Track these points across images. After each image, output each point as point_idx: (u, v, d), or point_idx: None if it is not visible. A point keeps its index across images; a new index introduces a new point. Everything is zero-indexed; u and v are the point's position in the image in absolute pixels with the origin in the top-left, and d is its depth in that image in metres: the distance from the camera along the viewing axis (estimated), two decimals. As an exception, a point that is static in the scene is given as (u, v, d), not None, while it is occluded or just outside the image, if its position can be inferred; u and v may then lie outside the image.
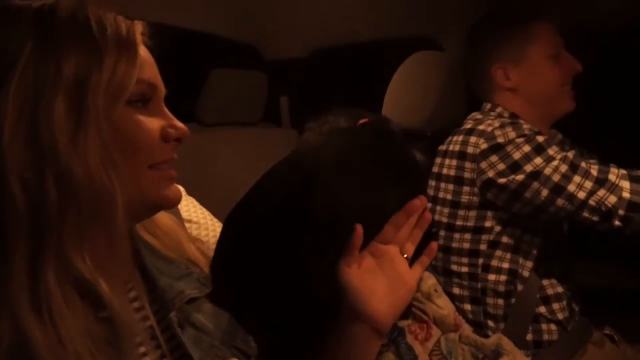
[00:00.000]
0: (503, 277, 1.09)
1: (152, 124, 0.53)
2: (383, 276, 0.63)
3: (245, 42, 1.82)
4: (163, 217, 0.66)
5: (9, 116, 0.45)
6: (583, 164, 0.99)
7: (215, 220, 1.10)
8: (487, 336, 0.99)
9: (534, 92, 1.14)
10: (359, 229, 0.61)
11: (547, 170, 0.98)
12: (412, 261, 0.67)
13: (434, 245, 0.67)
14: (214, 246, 0.70)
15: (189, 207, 1.12)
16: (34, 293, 0.45)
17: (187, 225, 0.98)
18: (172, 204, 0.56)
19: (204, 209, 1.13)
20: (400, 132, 0.77)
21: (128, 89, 0.50)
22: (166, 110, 0.56)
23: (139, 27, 0.54)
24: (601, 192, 0.95)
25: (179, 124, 0.56)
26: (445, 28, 1.52)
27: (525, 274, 1.10)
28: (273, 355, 0.65)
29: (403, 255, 0.65)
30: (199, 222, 1.09)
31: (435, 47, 1.54)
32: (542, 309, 1.10)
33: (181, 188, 1.16)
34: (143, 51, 0.54)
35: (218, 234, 0.75)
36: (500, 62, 1.15)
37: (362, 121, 0.75)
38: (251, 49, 1.85)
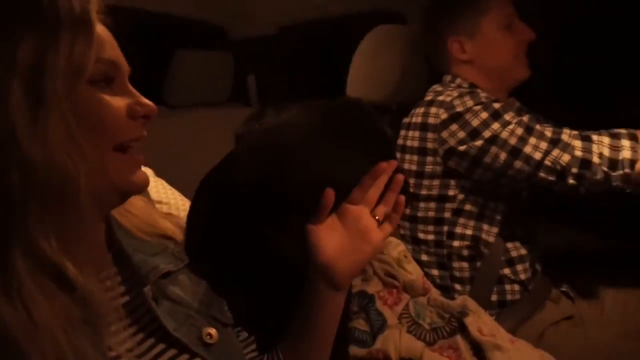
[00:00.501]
0: (467, 243, 1.14)
1: (118, 102, 0.53)
2: (345, 232, 0.66)
3: (210, 22, 1.80)
4: (135, 200, 0.66)
5: None
6: (538, 127, 1.03)
7: (185, 200, 1.11)
8: (454, 299, 1.04)
9: (490, 63, 1.17)
10: (330, 192, 0.64)
11: (504, 134, 1.02)
12: None
13: (401, 199, 0.69)
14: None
15: (159, 189, 1.12)
16: (2, 277, 0.45)
17: (157, 206, 0.99)
18: (139, 189, 0.57)
19: (173, 190, 1.13)
20: (370, 107, 0.79)
21: (87, 69, 0.49)
22: (132, 88, 0.56)
23: (93, 5, 0.52)
24: (555, 152, 1.00)
25: (146, 101, 0.56)
26: (412, 1, 1.53)
27: (490, 239, 1.14)
28: (250, 321, 0.67)
29: (375, 217, 0.68)
30: (169, 202, 1.10)
31: (401, 21, 1.55)
32: (506, 271, 1.15)
33: (149, 170, 1.17)
34: (101, 29, 0.53)
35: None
36: (455, 35, 1.17)
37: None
38: (216, 29, 1.83)
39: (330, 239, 0.65)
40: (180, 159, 1.50)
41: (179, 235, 0.67)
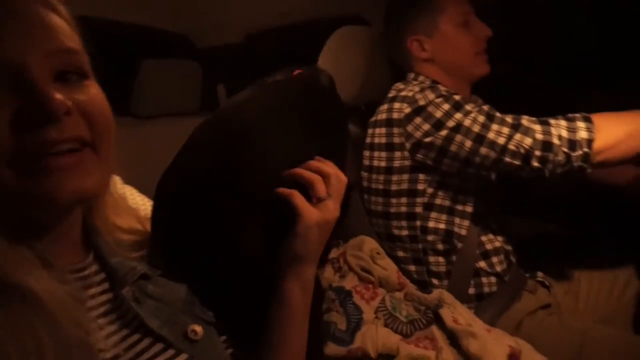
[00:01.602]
0: (440, 237, 1.14)
1: None
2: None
3: (175, 31, 1.80)
4: (112, 199, 0.64)
5: None
6: (498, 114, 1.05)
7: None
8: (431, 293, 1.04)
9: (449, 60, 1.19)
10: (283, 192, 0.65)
11: (467, 122, 1.04)
12: None
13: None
14: None
15: (127, 195, 1.10)
16: None
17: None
18: (56, 202, 0.46)
19: (143, 196, 1.11)
20: (328, 84, 0.79)
21: None
22: (29, 83, 0.45)
23: None
24: (518, 136, 1.01)
25: (39, 96, 0.44)
26: (371, 5, 1.55)
27: (463, 232, 1.15)
28: (224, 320, 0.66)
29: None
30: (138, 208, 1.08)
31: (365, 25, 1.57)
32: (482, 264, 1.15)
33: (117, 177, 1.14)
34: None
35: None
36: (415, 34, 1.19)
37: (296, 72, 0.77)
38: (182, 38, 1.82)
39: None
40: (150, 169, 1.47)
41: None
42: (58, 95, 0.45)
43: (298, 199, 0.65)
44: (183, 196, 0.66)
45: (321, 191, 0.67)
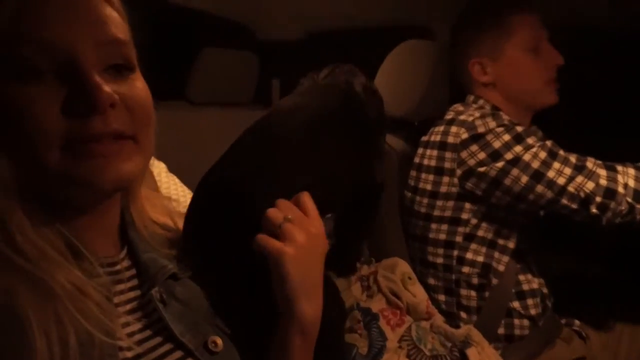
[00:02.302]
0: (477, 270, 1.10)
1: (44, 101, 0.44)
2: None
3: (238, 21, 1.80)
4: (150, 194, 0.65)
5: None
6: (561, 152, 1.00)
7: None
8: (459, 327, 1.00)
9: (513, 86, 1.14)
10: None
11: (527, 157, 0.99)
12: None
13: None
14: None
15: (169, 185, 1.11)
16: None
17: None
18: (95, 187, 0.47)
19: (184, 187, 1.12)
20: (365, 92, 0.78)
21: None
22: (81, 72, 0.45)
23: None
24: (579, 179, 0.96)
25: (88, 86, 0.44)
26: (440, 16, 1.50)
27: (501, 268, 1.11)
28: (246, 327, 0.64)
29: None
30: (178, 199, 1.09)
31: (429, 37, 1.53)
32: (515, 304, 1.11)
33: (162, 165, 1.16)
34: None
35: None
36: (477, 57, 1.14)
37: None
38: (244, 28, 1.83)
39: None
40: (196, 157, 1.49)
41: None
42: (106, 87, 0.45)
43: (257, 239, 0.58)
44: (218, 195, 0.66)
45: (274, 218, 0.58)
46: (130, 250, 0.58)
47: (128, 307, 0.54)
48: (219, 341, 0.57)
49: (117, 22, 0.49)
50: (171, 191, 1.10)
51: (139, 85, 0.51)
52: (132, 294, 0.55)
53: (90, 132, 0.45)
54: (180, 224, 0.67)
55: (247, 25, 1.83)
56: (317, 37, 1.84)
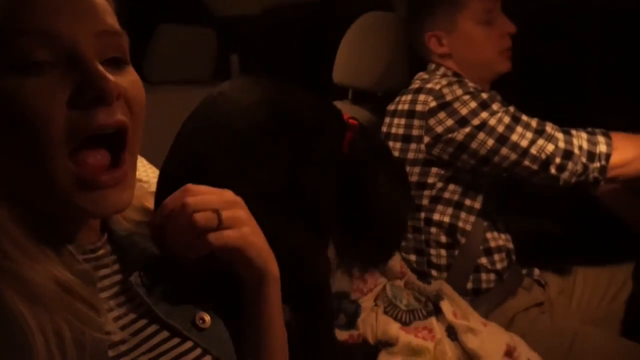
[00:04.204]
0: (444, 230, 1.16)
1: (47, 94, 0.42)
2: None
3: (193, -3, 1.77)
4: None
5: None
6: (524, 117, 1.06)
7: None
8: (430, 284, 1.07)
9: (468, 58, 1.18)
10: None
11: (492, 122, 1.05)
12: None
13: None
14: None
15: (138, 167, 1.10)
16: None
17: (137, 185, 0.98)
18: (98, 216, 0.48)
19: (153, 167, 1.12)
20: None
21: None
22: (85, 63, 0.44)
23: None
24: (540, 141, 1.03)
25: (95, 77, 0.43)
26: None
27: (468, 227, 1.16)
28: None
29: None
30: (149, 180, 1.08)
31: (385, 6, 1.55)
32: (483, 260, 1.17)
33: None
34: None
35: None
36: (433, 30, 1.17)
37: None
38: (200, 4, 1.79)
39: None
40: (159, 137, 1.48)
41: None
42: (113, 78, 0.44)
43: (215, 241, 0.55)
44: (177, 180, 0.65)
45: (208, 220, 0.54)
46: (111, 236, 0.57)
47: (112, 291, 0.53)
48: (207, 317, 0.57)
49: (111, 13, 0.48)
50: (141, 173, 1.09)
51: (135, 78, 0.50)
52: (116, 278, 0.54)
53: (95, 124, 0.44)
54: (152, 204, 0.65)
55: (203, 1, 1.80)
56: (274, 12, 1.83)
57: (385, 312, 0.96)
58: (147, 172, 1.13)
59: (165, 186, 0.65)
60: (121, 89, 0.46)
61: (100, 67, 0.44)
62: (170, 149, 0.70)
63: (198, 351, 0.56)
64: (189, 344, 0.56)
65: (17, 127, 0.42)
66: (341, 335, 0.90)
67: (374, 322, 0.94)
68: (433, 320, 0.94)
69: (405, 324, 0.95)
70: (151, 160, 1.14)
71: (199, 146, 0.69)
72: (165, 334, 0.54)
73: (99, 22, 0.46)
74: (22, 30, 0.42)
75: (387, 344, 0.90)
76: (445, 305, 0.96)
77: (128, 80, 0.49)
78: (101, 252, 0.55)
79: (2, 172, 0.44)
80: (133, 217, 0.61)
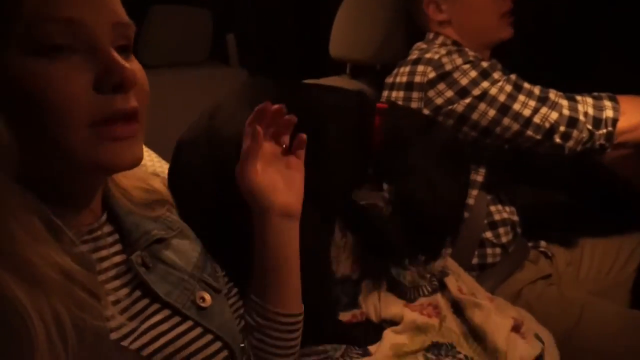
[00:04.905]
0: None
1: (75, 74, 0.46)
2: (276, 174, 0.66)
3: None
4: None
5: None
6: (526, 84, 1.03)
7: (163, 162, 1.09)
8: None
9: (468, 23, 1.15)
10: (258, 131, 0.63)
11: (493, 91, 1.01)
12: None
13: (301, 136, 0.67)
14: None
15: (152, 159, 1.10)
16: None
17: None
18: (121, 169, 0.51)
19: (149, 151, 1.11)
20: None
21: (10, 25, 0.42)
22: (109, 52, 0.47)
23: None
24: (544, 110, 1.00)
25: (116, 65, 0.47)
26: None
27: (471, 201, 1.14)
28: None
29: (282, 145, 0.67)
30: (145, 164, 1.08)
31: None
32: (488, 234, 1.15)
33: None
34: None
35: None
36: None
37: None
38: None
39: (272, 182, 0.65)
40: (158, 120, 1.46)
41: (169, 196, 0.67)
42: (130, 67, 0.48)
43: None
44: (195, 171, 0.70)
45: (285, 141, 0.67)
46: (112, 216, 0.58)
47: (113, 272, 0.54)
48: (207, 296, 0.60)
49: (120, 3, 0.51)
50: (156, 166, 1.09)
51: (139, 66, 0.53)
52: (116, 259, 0.56)
53: (114, 109, 0.48)
54: (155, 184, 0.68)
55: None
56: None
57: (389, 290, 0.96)
58: (162, 165, 1.13)
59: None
60: (137, 77, 0.49)
61: (119, 57, 0.48)
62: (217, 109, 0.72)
63: (198, 330, 0.57)
64: (189, 323, 0.57)
65: (42, 107, 0.45)
66: (344, 316, 0.89)
67: (376, 301, 0.93)
68: (438, 296, 0.93)
69: (410, 300, 0.94)
70: (150, 144, 1.13)
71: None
72: (165, 312, 0.56)
73: (115, 14, 0.50)
74: (52, 17, 0.45)
75: (392, 322, 0.89)
76: (450, 281, 0.95)
77: (136, 68, 0.52)
78: (100, 232, 0.56)
79: (20, 151, 0.45)
80: (136, 196, 0.63)
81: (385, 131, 0.82)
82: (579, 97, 1.02)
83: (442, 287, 0.95)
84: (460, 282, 0.97)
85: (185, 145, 0.75)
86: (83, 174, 0.51)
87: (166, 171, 0.84)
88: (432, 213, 0.84)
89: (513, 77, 1.04)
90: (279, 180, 0.65)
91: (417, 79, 1.07)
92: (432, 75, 1.05)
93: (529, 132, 1.01)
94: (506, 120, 1.02)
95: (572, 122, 0.99)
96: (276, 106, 0.64)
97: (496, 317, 0.84)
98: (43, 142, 0.46)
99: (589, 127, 0.99)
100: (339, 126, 0.79)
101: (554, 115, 1.00)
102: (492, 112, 1.02)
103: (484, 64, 1.05)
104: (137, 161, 0.51)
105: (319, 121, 0.77)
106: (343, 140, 0.80)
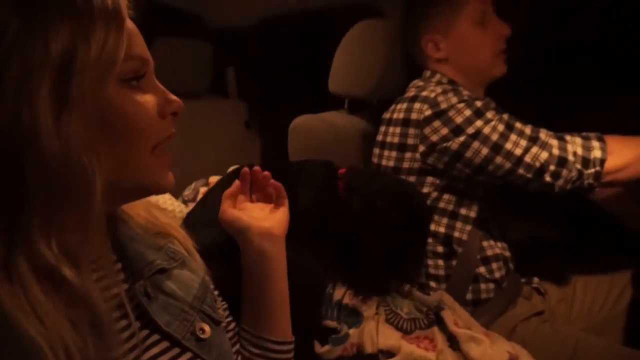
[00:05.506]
0: (439, 241, 1.15)
1: (148, 101, 0.53)
2: (256, 209, 0.78)
3: (189, 10, 1.77)
4: None
5: None
6: (517, 124, 1.06)
7: (167, 196, 1.10)
8: (429, 295, 1.06)
9: (465, 61, 1.19)
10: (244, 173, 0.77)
11: (486, 130, 1.04)
12: None
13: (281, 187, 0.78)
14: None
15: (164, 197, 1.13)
16: (9, 279, 0.44)
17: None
18: (164, 191, 0.58)
19: (172, 198, 1.13)
20: None
21: (116, 65, 0.49)
22: (158, 84, 0.56)
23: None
24: (534, 149, 1.03)
25: (173, 97, 0.56)
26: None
27: (464, 237, 1.15)
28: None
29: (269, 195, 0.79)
30: (173, 210, 1.10)
31: (379, 14, 1.55)
32: (481, 269, 1.16)
33: None
34: (130, 24, 0.52)
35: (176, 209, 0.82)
36: (429, 33, 1.18)
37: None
38: (195, 17, 1.80)
39: (250, 212, 0.75)
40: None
41: (176, 230, 0.67)
42: None
43: None
44: None
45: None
46: (115, 244, 0.58)
47: (115, 302, 0.54)
48: (207, 328, 0.60)
49: None
50: (167, 203, 1.12)
51: None
52: (119, 288, 0.55)
53: (169, 133, 0.56)
54: (159, 216, 0.68)
55: (198, 14, 1.80)
56: (269, 22, 1.83)
57: (387, 321, 0.96)
58: (173, 203, 1.15)
59: None
60: None
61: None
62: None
63: None
64: (188, 355, 0.57)
65: (123, 131, 0.51)
66: (334, 351, 0.88)
67: (374, 332, 0.93)
68: (435, 329, 0.94)
69: (406, 332, 0.94)
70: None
71: None
72: (165, 343, 0.56)
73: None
74: (134, 55, 0.52)
75: (388, 353, 0.89)
76: (446, 315, 0.95)
77: None
78: (103, 261, 0.55)
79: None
80: (141, 224, 0.63)
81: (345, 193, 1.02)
82: (568, 137, 1.05)
83: (439, 321, 0.95)
84: (456, 316, 0.98)
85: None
86: (133, 197, 0.58)
87: (167, 203, 0.86)
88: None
89: (505, 116, 1.07)
90: (257, 211, 0.76)
91: (414, 116, 1.10)
92: (428, 112, 1.08)
93: (520, 171, 1.04)
94: (498, 159, 1.04)
95: (562, 161, 1.02)
96: (266, 172, 0.77)
97: (492, 351, 0.85)
98: (117, 165, 0.51)
99: (578, 166, 1.02)
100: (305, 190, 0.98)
101: (544, 155, 1.03)
102: (485, 151, 1.05)
103: (478, 103, 1.08)
104: (172, 185, 0.58)
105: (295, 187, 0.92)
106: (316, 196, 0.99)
